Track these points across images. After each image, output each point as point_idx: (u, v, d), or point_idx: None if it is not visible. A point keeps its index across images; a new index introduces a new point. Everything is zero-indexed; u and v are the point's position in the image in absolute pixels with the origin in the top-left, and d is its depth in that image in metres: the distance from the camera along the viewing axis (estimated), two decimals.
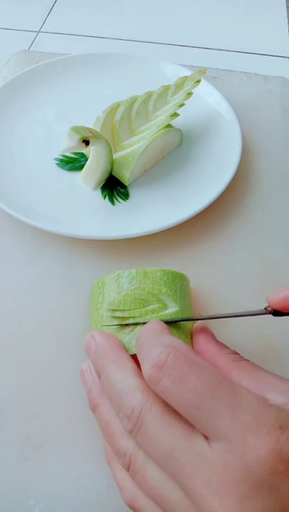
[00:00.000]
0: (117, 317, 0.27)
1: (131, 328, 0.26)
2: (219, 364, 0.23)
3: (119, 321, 0.27)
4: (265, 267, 0.37)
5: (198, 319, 0.27)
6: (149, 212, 0.38)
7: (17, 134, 0.44)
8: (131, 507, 0.20)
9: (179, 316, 0.27)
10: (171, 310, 0.27)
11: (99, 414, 0.23)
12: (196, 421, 0.18)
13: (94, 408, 0.23)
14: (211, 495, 0.16)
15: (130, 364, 0.22)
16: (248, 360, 0.24)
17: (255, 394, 0.18)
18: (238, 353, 0.25)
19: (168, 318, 0.26)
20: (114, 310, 0.27)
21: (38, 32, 0.67)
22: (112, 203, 0.39)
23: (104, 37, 0.66)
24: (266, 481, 0.15)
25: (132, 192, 0.40)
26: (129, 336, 0.26)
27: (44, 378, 0.30)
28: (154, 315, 0.26)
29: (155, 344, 0.20)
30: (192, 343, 0.27)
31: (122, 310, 0.27)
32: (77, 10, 0.71)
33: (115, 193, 0.40)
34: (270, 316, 0.25)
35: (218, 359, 0.24)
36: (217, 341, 0.26)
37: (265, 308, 0.25)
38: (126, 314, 0.27)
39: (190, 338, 0.27)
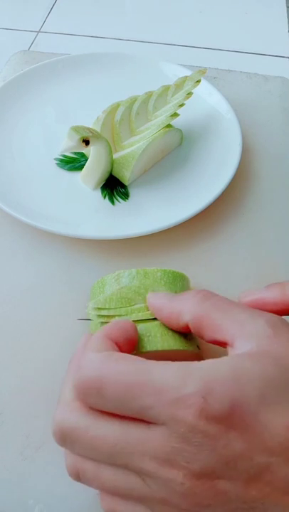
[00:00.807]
0: (102, 316, 0.27)
1: None
2: (188, 318, 0.24)
3: (105, 320, 0.27)
4: (265, 267, 0.37)
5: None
6: (149, 212, 0.38)
7: (17, 133, 0.44)
8: None
9: None
10: None
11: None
12: (132, 416, 0.19)
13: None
14: (161, 467, 0.18)
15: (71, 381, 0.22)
16: (218, 296, 0.24)
17: (173, 368, 0.19)
18: (200, 291, 0.24)
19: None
20: (100, 309, 0.27)
21: (38, 32, 0.67)
22: (112, 202, 0.39)
23: (104, 37, 0.66)
24: (203, 443, 0.17)
25: (132, 192, 0.40)
26: None
27: (44, 378, 0.30)
28: (140, 314, 0.26)
29: (80, 365, 0.20)
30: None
31: (108, 309, 0.27)
32: (77, 10, 0.72)
33: (115, 193, 0.40)
34: None
35: (186, 314, 0.24)
36: (175, 298, 0.25)
37: None
38: (111, 313, 0.27)
39: (196, 341, 0.27)
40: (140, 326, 0.26)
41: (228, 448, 0.17)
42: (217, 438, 0.17)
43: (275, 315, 0.22)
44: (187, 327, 0.24)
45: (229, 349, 0.22)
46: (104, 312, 0.27)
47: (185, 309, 0.24)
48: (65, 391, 0.22)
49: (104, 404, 0.19)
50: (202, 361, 0.19)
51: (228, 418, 0.17)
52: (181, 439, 0.17)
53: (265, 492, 0.17)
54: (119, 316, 0.27)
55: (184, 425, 0.17)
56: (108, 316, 0.27)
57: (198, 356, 0.27)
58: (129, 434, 0.19)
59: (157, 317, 0.26)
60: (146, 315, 0.26)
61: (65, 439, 0.20)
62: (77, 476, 0.21)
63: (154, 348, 0.25)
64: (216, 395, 0.18)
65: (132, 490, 0.19)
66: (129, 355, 0.20)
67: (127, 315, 0.26)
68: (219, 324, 0.22)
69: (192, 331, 0.24)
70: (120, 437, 0.19)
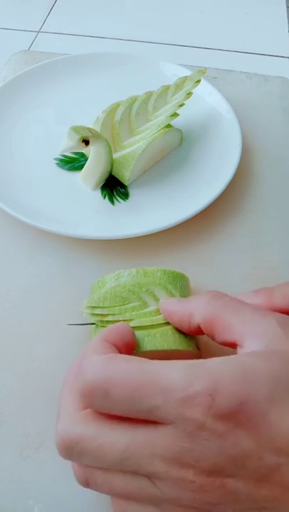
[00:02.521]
0: (96, 314, 0.27)
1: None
2: (199, 319, 0.24)
3: (99, 319, 0.27)
4: (265, 267, 0.37)
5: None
6: (149, 212, 0.39)
7: (17, 133, 0.44)
8: None
9: None
10: None
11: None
12: (139, 417, 0.19)
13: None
14: (171, 468, 0.18)
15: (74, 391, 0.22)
16: (228, 296, 0.24)
17: (180, 367, 0.19)
18: (211, 291, 0.25)
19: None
20: (93, 307, 0.27)
21: (38, 32, 0.67)
22: (112, 202, 0.39)
23: (104, 37, 0.66)
24: (211, 441, 0.17)
25: (131, 192, 0.40)
26: None
27: (44, 377, 0.30)
28: (133, 313, 0.26)
29: (81, 370, 0.20)
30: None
31: (102, 307, 0.27)
32: (77, 10, 0.72)
33: (115, 193, 0.40)
34: None
35: (197, 315, 0.24)
36: (187, 301, 0.26)
37: None
38: (105, 312, 0.27)
39: (195, 341, 0.27)
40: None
41: (236, 446, 0.17)
42: (225, 436, 0.17)
43: (285, 315, 0.22)
44: (199, 329, 0.24)
45: (239, 349, 0.22)
46: (98, 311, 0.27)
47: (196, 310, 0.24)
48: (66, 402, 0.21)
49: (111, 407, 0.19)
50: (209, 359, 0.19)
51: (236, 416, 0.17)
52: (189, 438, 0.17)
53: (276, 492, 0.17)
54: (113, 314, 0.27)
55: (192, 424, 0.17)
56: (102, 315, 0.27)
57: (198, 356, 0.27)
58: (138, 437, 0.18)
59: (170, 322, 0.26)
60: (140, 314, 0.26)
61: (71, 451, 0.19)
62: (87, 484, 0.20)
63: (154, 348, 0.25)
64: (224, 392, 0.18)
65: (142, 494, 0.19)
66: (133, 357, 0.20)
67: (120, 314, 0.26)
68: (229, 324, 0.22)
69: (204, 332, 0.24)
70: (129, 442, 0.18)
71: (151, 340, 0.25)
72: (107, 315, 0.27)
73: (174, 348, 0.26)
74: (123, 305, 0.27)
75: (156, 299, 0.27)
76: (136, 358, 0.20)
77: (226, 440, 0.17)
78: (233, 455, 0.17)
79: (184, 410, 0.17)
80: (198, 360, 0.19)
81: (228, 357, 0.19)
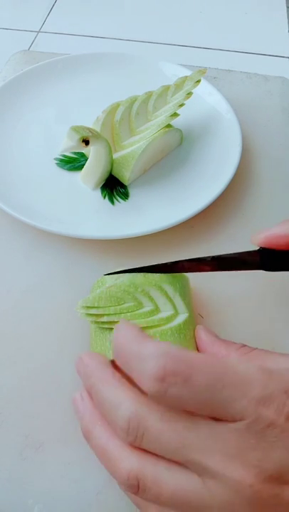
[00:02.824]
0: (91, 314, 0.27)
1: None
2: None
3: (94, 319, 0.27)
4: None
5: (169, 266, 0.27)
6: (149, 212, 0.38)
7: (17, 133, 0.44)
8: None
9: (176, 316, 0.27)
10: (169, 313, 0.27)
11: (92, 442, 0.22)
12: (211, 412, 0.18)
13: (87, 436, 0.23)
14: (231, 465, 0.17)
15: (117, 377, 0.22)
16: (257, 348, 0.24)
17: (256, 366, 0.19)
18: (245, 345, 0.25)
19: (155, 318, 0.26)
20: (88, 307, 0.27)
21: (38, 32, 0.67)
22: (112, 202, 0.39)
23: (104, 37, 0.66)
24: (279, 440, 0.17)
25: (131, 192, 0.40)
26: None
27: (43, 378, 0.30)
28: (128, 314, 0.26)
29: (143, 356, 0.19)
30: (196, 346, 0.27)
31: (97, 307, 0.27)
32: (77, 10, 0.72)
33: (115, 193, 0.40)
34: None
35: (230, 357, 0.24)
36: (223, 340, 0.26)
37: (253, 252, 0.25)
38: (100, 312, 0.27)
39: (194, 342, 0.27)
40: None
41: None
42: None
43: None
44: None
45: None
46: (93, 311, 0.27)
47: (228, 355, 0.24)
48: (117, 393, 0.21)
49: (188, 395, 0.18)
50: (280, 368, 0.19)
51: None
52: (258, 435, 0.17)
53: None
54: (108, 315, 0.26)
55: (265, 421, 0.17)
56: (97, 315, 0.27)
57: None
58: (201, 427, 0.18)
59: (199, 349, 0.26)
60: (135, 315, 0.26)
61: (137, 430, 0.19)
62: (136, 482, 0.19)
63: None
64: None
65: (191, 496, 0.18)
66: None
67: (115, 314, 0.26)
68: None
69: None
70: (191, 429, 0.18)
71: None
72: (102, 315, 0.27)
73: None
74: (118, 305, 0.27)
75: (152, 300, 0.27)
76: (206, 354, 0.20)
77: None
78: None
79: (261, 407, 0.17)
80: (270, 367, 0.19)
81: None
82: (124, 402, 0.20)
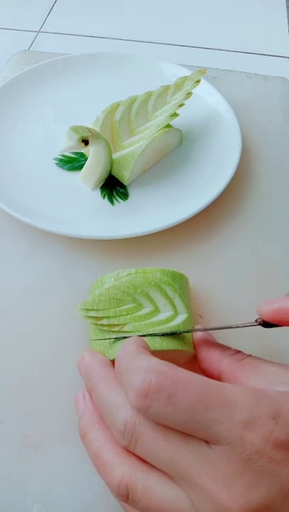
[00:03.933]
0: (90, 317, 0.27)
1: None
2: (224, 368, 0.24)
3: (94, 321, 0.27)
4: (264, 267, 0.37)
5: (187, 332, 0.27)
6: (149, 212, 0.38)
7: (17, 133, 0.44)
8: None
9: (176, 317, 0.27)
10: (168, 313, 0.27)
11: (88, 444, 0.22)
12: (194, 432, 0.18)
13: (83, 437, 0.23)
14: (219, 489, 0.17)
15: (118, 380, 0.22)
16: (251, 356, 0.24)
17: (244, 389, 0.18)
18: (240, 351, 0.25)
19: (159, 324, 0.26)
20: (88, 310, 0.27)
21: (38, 32, 0.67)
22: (112, 202, 0.39)
23: (104, 37, 0.66)
24: (267, 469, 0.17)
25: (131, 192, 0.40)
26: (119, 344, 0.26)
27: (42, 378, 0.30)
28: (128, 316, 0.26)
29: (133, 370, 0.19)
30: (195, 349, 0.27)
31: (96, 310, 0.26)
32: (77, 10, 0.72)
33: (115, 193, 0.40)
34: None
35: (222, 363, 0.24)
36: (218, 345, 0.26)
37: (256, 320, 0.24)
38: (100, 314, 0.26)
39: (192, 342, 0.27)
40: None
41: None
42: (282, 465, 0.17)
43: None
44: (218, 374, 0.24)
45: None
46: (92, 313, 0.26)
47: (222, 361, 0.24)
48: (114, 397, 0.21)
49: (170, 414, 0.18)
50: (271, 390, 0.19)
51: None
52: (245, 462, 0.17)
53: None
54: (108, 317, 0.26)
55: (251, 448, 0.17)
56: (96, 318, 0.27)
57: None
58: (192, 446, 0.18)
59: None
60: (135, 318, 0.26)
61: (132, 435, 0.19)
62: (126, 491, 0.19)
63: (153, 349, 0.25)
64: (287, 419, 0.17)
65: (178, 511, 0.18)
66: (191, 372, 0.20)
67: (115, 316, 0.26)
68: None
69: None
70: (183, 446, 0.18)
71: (150, 341, 0.25)
72: (102, 318, 0.26)
73: (172, 348, 0.26)
74: (118, 307, 0.27)
75: (151, 301, 0.27)
76: (194, 373, 0.19)
77: (282, 470, 0.17)
78: (286, 489, 0.16)
79: (246, 432, 0.17)
80: (260, 389, 0.19)
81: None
82: (123, 405, 0.20)
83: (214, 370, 0.24)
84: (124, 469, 0.19)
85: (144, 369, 0.19)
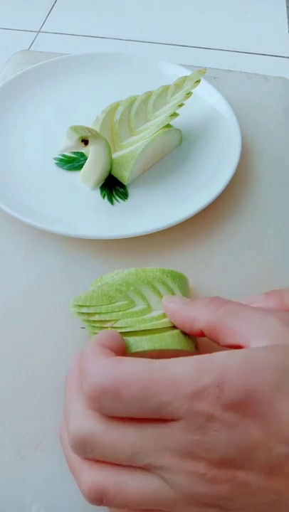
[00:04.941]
0: (83, 313, 0.27)
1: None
2: (202, 325, 0.24)
3: (86, 318, 0.27)
4: (264, 267, 0.37)
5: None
6: (148, 211, 0.38)
7: (16, 133, 0.44)
8: None
9: None
10: (160, 312, 0.27)
11: (63, 449, 0.23)
12: (149, 416, 0.19)
13: (61, 442, 0.23)
14: (183, 460, 0.18)
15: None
16: (230, 302, 0.24)
17: (188, 363, 0.19)
18: (217, 298, 0.25)
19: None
20: (80, 306, 0.27)
21: (38, 32, 0.68)
22: (111, 202, 0.39)
23: (104, 37, 0.66)
24: (221, 431, 0.17)
25: (131, 192, 0.40)
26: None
27: (42, 377, 0.30)
28: (120, 312, 0.26)
29: (85, 375, 0.20)
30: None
31: (88, 306, 0.26)
32: (77, 10, 0.72)
33: (114, 193, 0.40)
34: None
35: (200, 321, 0.24)
36: (189, 305, 0.26)
37: None
38: (92, 310, 0.26)
39: (192, 342, 0.27)
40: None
41: (245, 437, 0.17)
42: (234, 426, 0.17)
43: (286, 312, 0.22)
44: (201, 333, 0.24)
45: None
46: (84, 309, 0.27)
47: (199, 317, 0.24)
48: (72, 405, 0.21)
49: (121, 409, 0.19)
50: (215, 353, 0.19)
51: (244, 406, 0.18)
52: (199, 431, 0.18)
53: (287, 484, 0.17)
54: (100, 313, 0.26)
55: (202, 416, 0.17)
56: (89, 314, 0.27)
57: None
58: (148, 432, 0.19)
59: (171, 320, 0.26)
60: (127, 314, 0.26)
61: (85, 446, 0.19)
62: (99, 495, 0.19)
63: (153, 348, 0.25)
64: (231, 383, 0.18)
65: (156, 495, 0.19)
66: (138, 358, 0.20)
67: (107, 313, 0.26)
68: (233, 329, 0.22)
69: (207, 337, 0.24)
70: (138, 436, 0.19)
71: (149, 340, 0.25)
72: (94, 314, 0.26)
73: (171, 347, 0.26)
74: (110, 304, 0.27)
75: (144, 298, 0.27)
76: (141, 358, 0.20)
77: (235, 431, 0.17)
78: (243, 446, 0.17)
79: (194, 404, 0.18)
80: (205, 355, 0.19)
81: (234, 350, 0.20)
82: (75, 417, 0.20)
83: (196, 330, 0.25)
84: (91, 475, 0.20)
85: (91, 373, 0.20)
